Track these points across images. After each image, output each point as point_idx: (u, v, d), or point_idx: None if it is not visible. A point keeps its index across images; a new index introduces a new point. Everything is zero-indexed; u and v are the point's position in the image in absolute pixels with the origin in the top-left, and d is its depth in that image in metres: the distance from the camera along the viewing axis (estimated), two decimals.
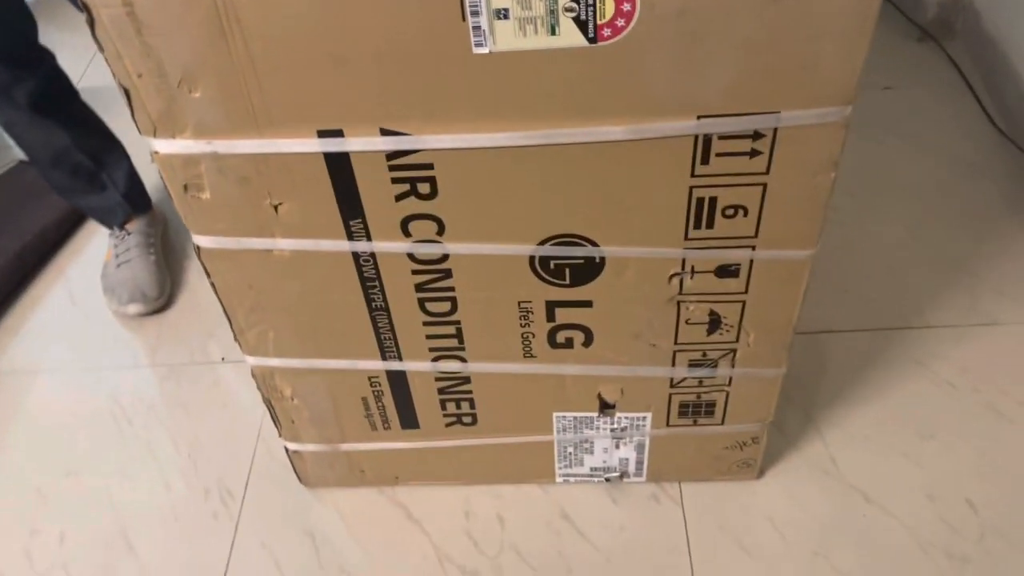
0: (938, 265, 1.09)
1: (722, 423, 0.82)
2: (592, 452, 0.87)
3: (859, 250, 1.12)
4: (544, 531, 0.88)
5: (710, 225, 0.63)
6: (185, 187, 0.63)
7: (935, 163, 1.22)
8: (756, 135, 0.57)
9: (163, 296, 1.16)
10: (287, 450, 0.89)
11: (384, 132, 0.58)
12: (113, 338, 1.14)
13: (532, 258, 0.67)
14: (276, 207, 0.64)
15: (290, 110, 0.57)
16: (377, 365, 0.77)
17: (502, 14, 0.51)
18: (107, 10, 0.52)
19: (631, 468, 0.89)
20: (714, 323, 0.72)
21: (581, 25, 0.52)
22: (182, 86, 0.56)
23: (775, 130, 0.57)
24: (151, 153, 0.60)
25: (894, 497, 0.88)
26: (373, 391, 0.80)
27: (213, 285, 0.71)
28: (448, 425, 0.85)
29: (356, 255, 0.67)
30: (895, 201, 1.17)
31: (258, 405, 1.01)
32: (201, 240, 0.67)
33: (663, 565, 0.85)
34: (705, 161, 0.59)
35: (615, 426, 0.83)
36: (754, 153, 0.58)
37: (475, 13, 0.51)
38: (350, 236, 0.66)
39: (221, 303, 0.72)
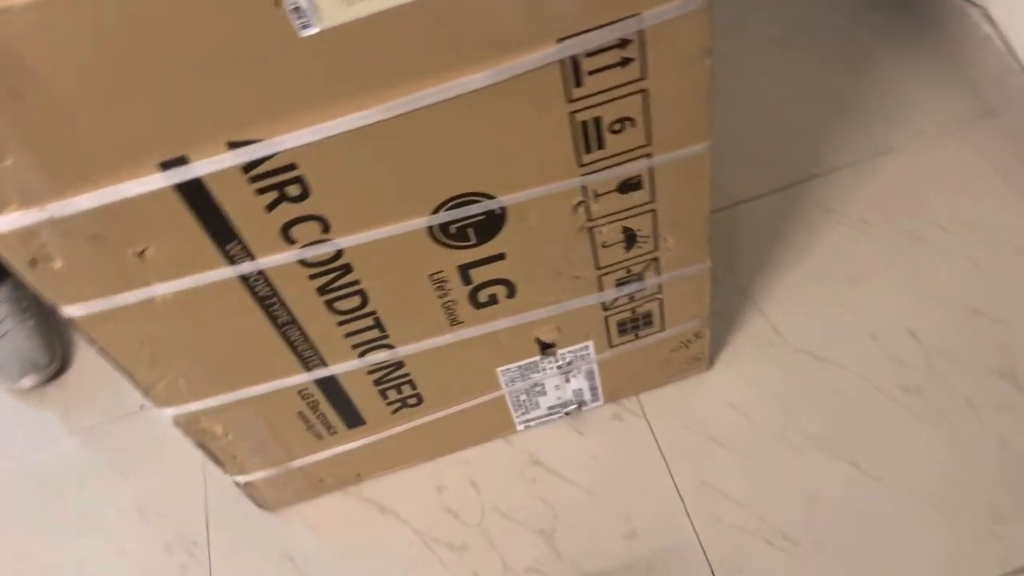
0: (824, 107, 1.08)
1: (662, 329, 0.81)
2: (545, 393, 0.85)
3: (743, 113, 1.10)
4: (520, 483, 0.87)
5: (600, 145, 0.60)
6: (32, 262, 0.56)
7: (790, 4, 1.20)
8: (623, 43, 0.53)
9: (56, 359, 1.08)
10: (238, 484, 0.85)
11: (232, 145, 0.52)
12: (17, 418, 1.05)
13: (430, 228, 0.62)
14: (141, 254, 0.58)
15: (121, 150, 0.51)
16: (303, 378, 0.73)
17: None
18: None
19: (587, 396, 0.87)
20: (630, 239, 0.69)
21: None
22: None
23: (640, 32, 0.53)
24: None
25: (840, 348, 0.89)
26: (307, 403, 0.76)
27: (102, 350, 0.64)
28: (395, 412, 0.81)
29: (244, 278, 0.62)
30: (763, 53, 1.16)
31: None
32: (71, 310, 0.61)
33: (643, 480, 0.84)
34: (578, 83, 0.55)
35: (560, 363, 0.81)
36: (626, 61, 0.55)
37: None
38: (231, 261, 0.60)
39: (118, 366, 0.66)
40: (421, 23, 0.49)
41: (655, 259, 0.72)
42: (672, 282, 0.75)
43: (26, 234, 0.54)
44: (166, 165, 0.52)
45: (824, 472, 0.81)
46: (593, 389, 0.87)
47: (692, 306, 0.80)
